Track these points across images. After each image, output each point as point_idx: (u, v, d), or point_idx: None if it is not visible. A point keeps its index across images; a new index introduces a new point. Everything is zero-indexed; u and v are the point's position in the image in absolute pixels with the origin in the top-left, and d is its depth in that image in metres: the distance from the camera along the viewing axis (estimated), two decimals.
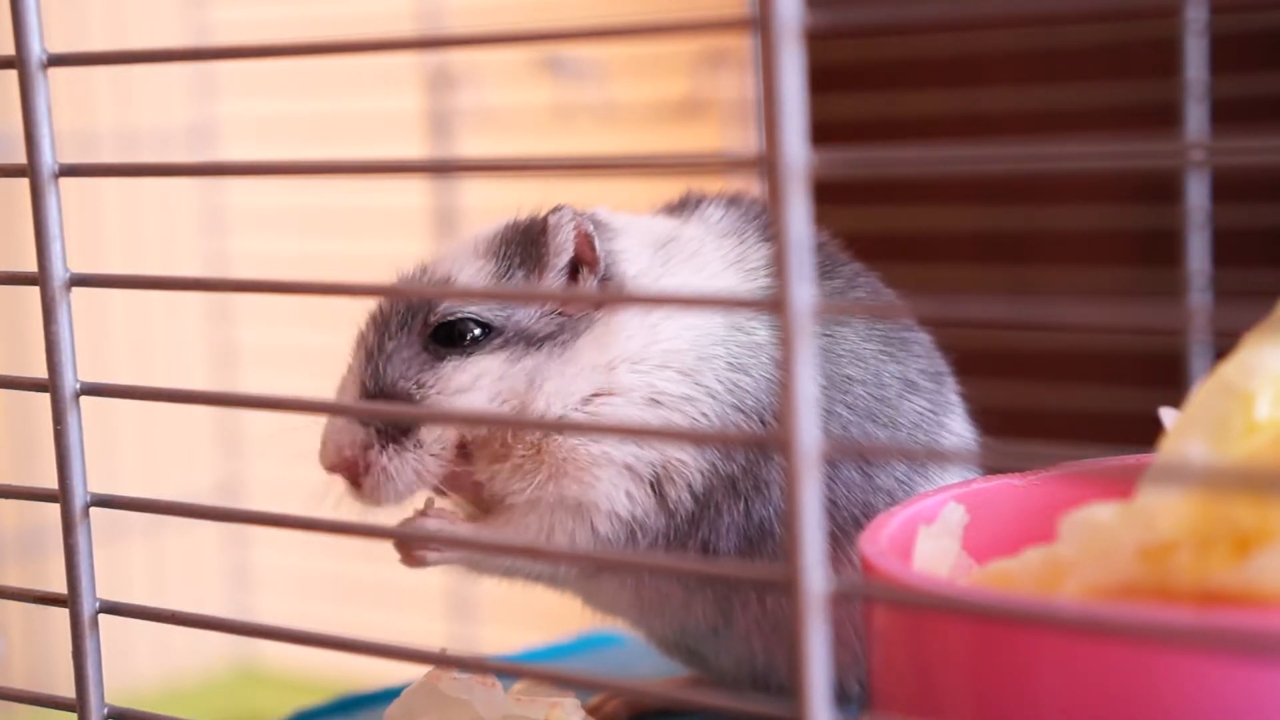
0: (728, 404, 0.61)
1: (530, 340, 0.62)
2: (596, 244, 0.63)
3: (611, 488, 0.61)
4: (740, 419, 0.61)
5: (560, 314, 0.62)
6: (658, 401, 0.61)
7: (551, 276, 0.62)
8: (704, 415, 0.61)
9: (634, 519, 0.61)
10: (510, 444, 0.62)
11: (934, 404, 0.65)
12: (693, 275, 0.63)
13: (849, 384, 0.62)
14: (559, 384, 0.61)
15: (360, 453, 0.62)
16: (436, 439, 0.62)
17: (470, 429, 0.62)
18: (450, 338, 0.62)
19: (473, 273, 0.63)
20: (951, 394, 0.67)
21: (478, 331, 0.62)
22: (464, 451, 0.63)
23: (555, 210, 0.63)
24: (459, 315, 0.62)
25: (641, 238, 0.64)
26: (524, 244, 0.63)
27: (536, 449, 0.61)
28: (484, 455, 0.63)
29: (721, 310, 0.62)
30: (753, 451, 0.61)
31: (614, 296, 0.62)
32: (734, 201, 0.67)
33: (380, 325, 0.63)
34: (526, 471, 0.62)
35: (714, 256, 0.64)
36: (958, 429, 0.67)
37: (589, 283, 0.63)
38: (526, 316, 0.62)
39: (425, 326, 0.62)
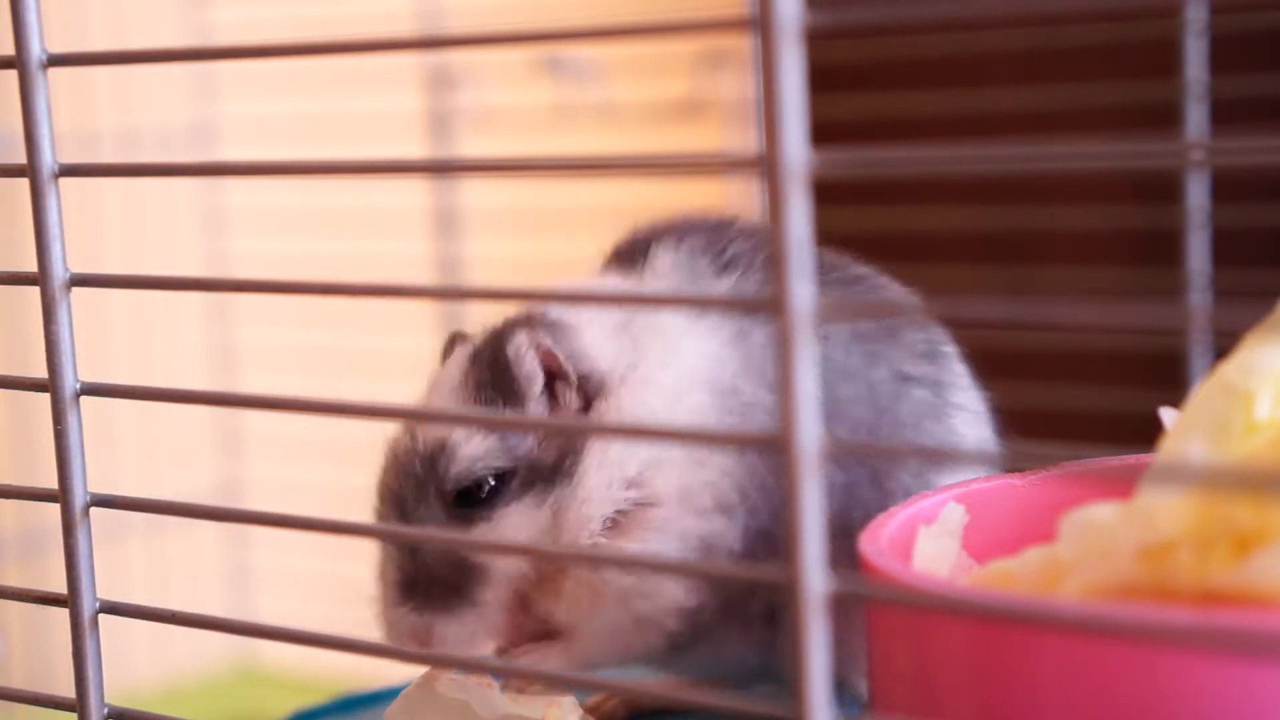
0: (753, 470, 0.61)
1: (544, 474, 0.61)
2: (561, 357, 0.62)
3: (674, 588, 0.61)
4: (765, 479, 0.61)
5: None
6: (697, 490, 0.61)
7: (533, 405, 0.62)
8: (732, 492, 0.61)
9: (695, 606, 0.61)
10: (564, 577, 0.62)
11: (935, 388, 0.64)
12: (663, 352, 0.62)
13: (845, 406, 0.62)
14: (579, 511, 0.61)
15: (422, 635, 0.61)
16: (492, 597, 0.61)
17: (520, 578, 0.62)
18: (471, 498, 0.61)
19: (462, 429, 0.62)
20: (953, 367, 0.66)
21: (494, 482, 0.61)
22: (522, 599, 0.62)
23: (510, 337, 0.62)
24: (473, 475, 0.61)
25: (602, 326, 0.63)
26: (494, 381, 0.62)
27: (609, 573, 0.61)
28: (543, 596, 0.62)
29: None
30: (777, 505, 0.61)
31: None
32: (683, 236, 0.66)
33: (398, 505, 0.62)
34: (592, 602, 0.61)
35: (676, 319, 0.63)
36: (965, 400, 0.66)
37: (567, 395, 0.62)
38: (531, 448, 0.62)
39: (443, 495, 0.61)
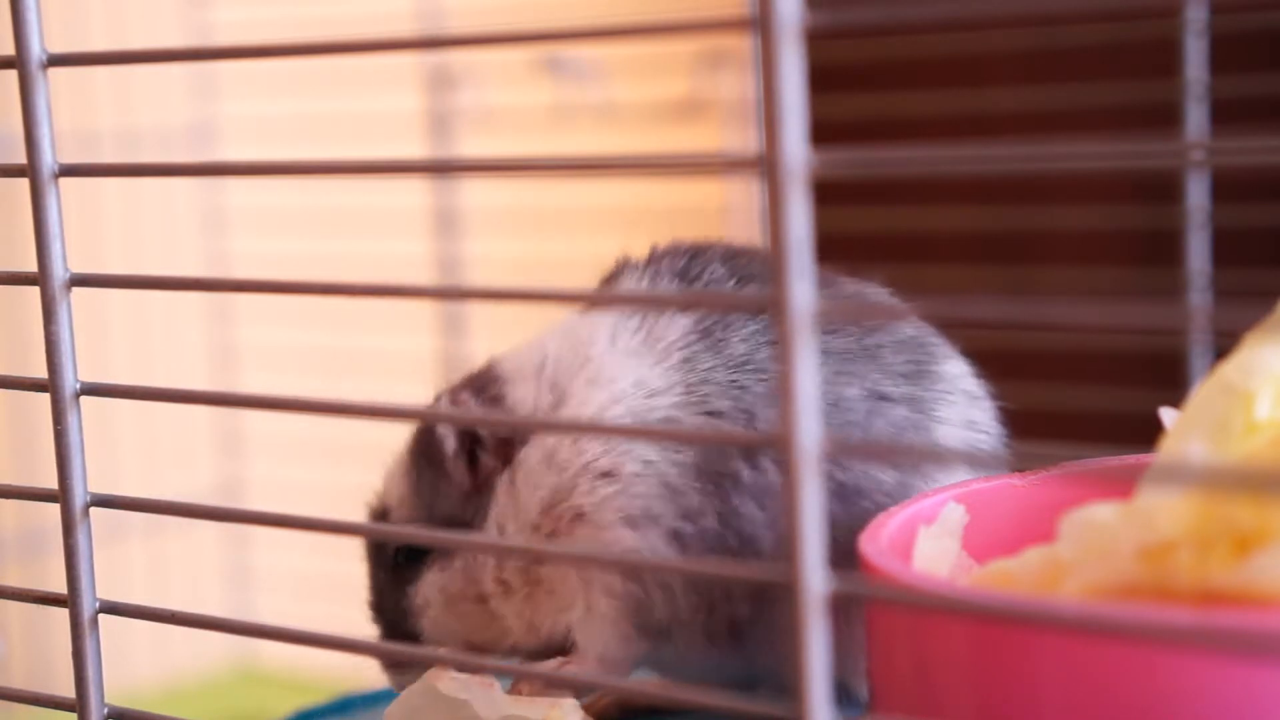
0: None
1: (465, 527, 0.64)
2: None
3: (616, 582, 0.62)
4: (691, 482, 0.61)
5: (471, 491, 0.64)
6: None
7: (453, 472, 0.64)
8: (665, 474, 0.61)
9: (638, 602, 0.62)
10: (497, 614, 0.64)
11: (915, 406, 0.63)
12: (586, 389, 0.63)
13: None
14: (484, 560, 0.63)
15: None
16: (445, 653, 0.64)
17: (450, 633, 0.65)
18: (413, 555, 0.65)
19: (398, 494, 0.65)
20: (938, 385, 0.64)
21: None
22: (475, 648, 0.65)
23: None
24: (403, 545, 0.65)
25: (526, 373, 0.65)
26: (422, 451, 0.65)
27: (546, 589, 0.63)
28: (494, 638, 0.65)
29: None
30: (722, 507, 0.61)
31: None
32: (654, 262, 0.66)
33: (369, 563, 0.67)
34: (550, 610, 0.63)
35: (614, 354, 0.63)
36: (954, 415, 0.64)
37: (483, 458, 0.64)
38: (454, 507, 0.64)
39: (387, 557, 0.66)
